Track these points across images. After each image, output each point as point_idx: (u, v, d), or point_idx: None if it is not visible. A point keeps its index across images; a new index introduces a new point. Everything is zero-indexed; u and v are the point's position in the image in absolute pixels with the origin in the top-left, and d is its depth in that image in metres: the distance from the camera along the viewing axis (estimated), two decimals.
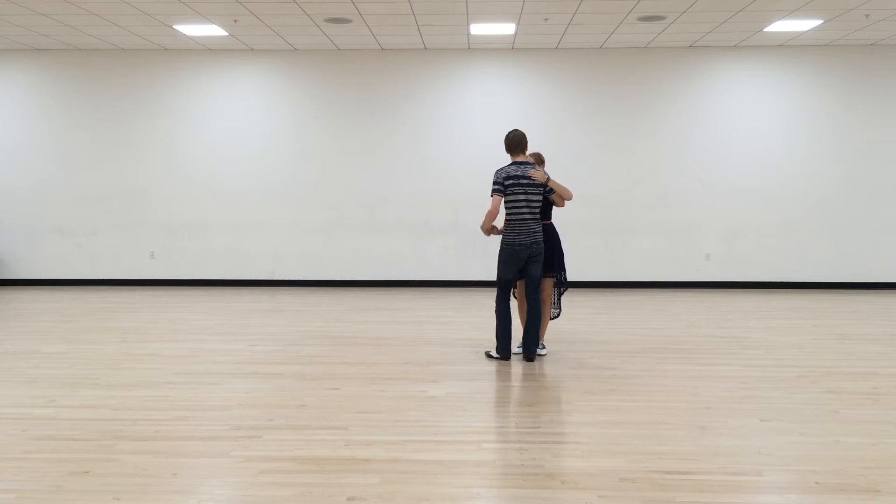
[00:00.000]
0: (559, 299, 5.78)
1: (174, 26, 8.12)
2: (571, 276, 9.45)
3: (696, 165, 9.41)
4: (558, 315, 5.80)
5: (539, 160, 5.62)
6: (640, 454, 3.47)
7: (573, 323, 6.99)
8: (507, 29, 8.22)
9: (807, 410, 4.19)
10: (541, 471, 3.27)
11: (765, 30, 8.30)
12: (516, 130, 5.36)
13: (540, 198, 5.31)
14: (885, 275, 9.41)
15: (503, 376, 5.00)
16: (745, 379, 4.88)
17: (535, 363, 5.35)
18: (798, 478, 3.21)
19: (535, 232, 5.31)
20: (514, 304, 5.59)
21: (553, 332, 6.52)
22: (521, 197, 5.23)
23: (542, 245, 5.36)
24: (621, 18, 7.75)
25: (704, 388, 4.64)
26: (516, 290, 5.67)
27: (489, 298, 8.61)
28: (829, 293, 9.10)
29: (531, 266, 5.36)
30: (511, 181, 5.22)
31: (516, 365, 5.31)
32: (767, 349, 5.82)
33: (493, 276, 9.58)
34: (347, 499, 2.98)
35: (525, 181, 5.22)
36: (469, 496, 3.02)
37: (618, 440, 3.67)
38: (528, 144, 5.42)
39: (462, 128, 9.46)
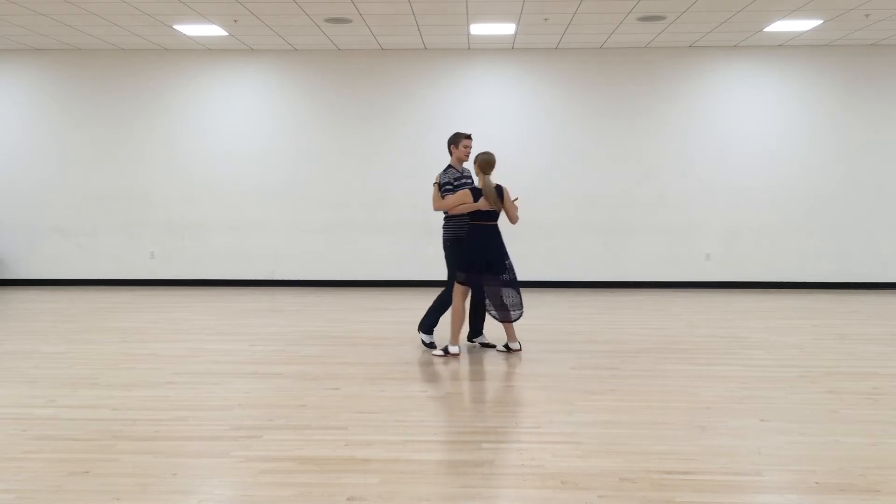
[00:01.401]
0: (492, 303, 5.57)
1: (174, 26, 8.12)
2: (572, 276, 9.54)
3: (696, 165, 9.41)
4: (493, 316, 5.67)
5: (476, 162, 5.58)
6: (640, 454, 3.47)
7: (573, 323, 6.99)
8: (507, 29, 8.22)
9: (807, 410, 4.19)
10: (541, 471, 3.27)
11: (765, 30, 8.30)
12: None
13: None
14: (885, 275, 9.41)
15: (503, 376, 5.00)
16: (745, 379, 4.88)
17: (535, 363, 5.34)
18: (798, 478, 3.21)
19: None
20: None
21: (553, 331, 6.53)
22: None
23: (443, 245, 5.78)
24: (621, 18, 7.75)
25: (704, 388, 4.64)
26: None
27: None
28: (829, 293, 9.10)
29: None
30: None
31: (517, 365, 5.31)
32: (767, 349, 5.82)
33: None
34: (347, 499, 2.98)
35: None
36: (469, 496, 3.02)
37: (618, 440, 3.67)
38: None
39: (462, 128, 9.43)
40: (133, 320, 7.12)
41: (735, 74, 9.30)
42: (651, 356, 5.55)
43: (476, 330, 5.97)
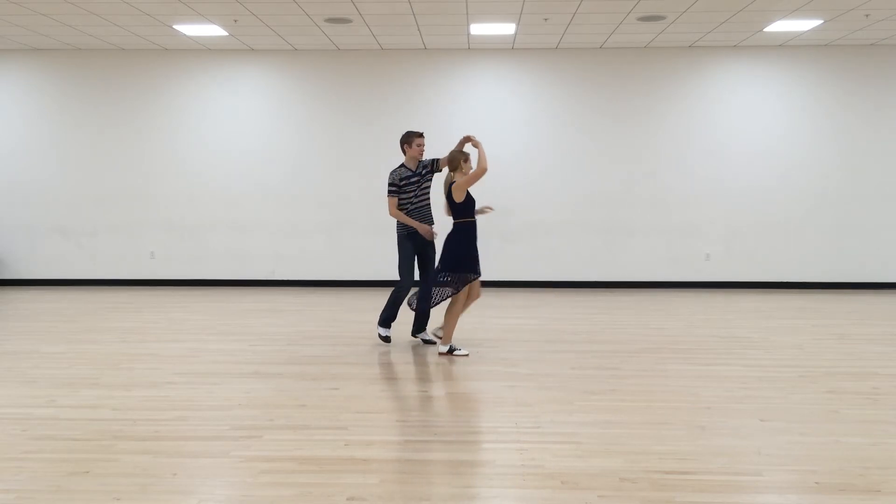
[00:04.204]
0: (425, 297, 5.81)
1: (174, 26, 8.12)
2: (572, 276, 9.55)
3: (697, 165, 9.41)
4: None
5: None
6: (640, 454, 3.47)
7: (573, 323, 6.99)
8: (507, 29, 8.22)
9: (807, 410, 4.19)
10: (541, 471, 3.27)
11: (765, 30, 8.30)
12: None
13: None
14: (885, 275, 9.41)
15: (503, 376, 5.00)
16: (745, 379, 4.88)
17: (535, 363, 5.34)
18: (798, 478, 3.21)
19: None
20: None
21: (553, 331, 6.54)
22: None
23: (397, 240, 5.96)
24: (621, 18, 7.75)
25: (704, 388, 4.64)
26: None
27: (489, 298, 8.61)
28: (829, 293, 9.10)
29: None
30: None
31: (516, 365, 5.30)
32: (767, 349, 5.82)
33: (493, 277, 9.62)
34: (347, 499, 2.98)
35: None
36: (469, 496, 3.02)
37: (618, 440, 3.67)
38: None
39: (462, 128, 9.43)
40: (133, 320, 7.12)
41: (735, 74, 9.30)
42: (651, 356, 5.55)
43: (421, 326, 6.03)
